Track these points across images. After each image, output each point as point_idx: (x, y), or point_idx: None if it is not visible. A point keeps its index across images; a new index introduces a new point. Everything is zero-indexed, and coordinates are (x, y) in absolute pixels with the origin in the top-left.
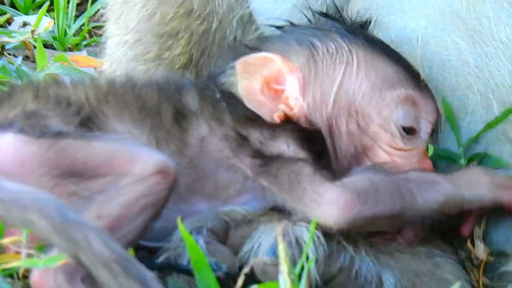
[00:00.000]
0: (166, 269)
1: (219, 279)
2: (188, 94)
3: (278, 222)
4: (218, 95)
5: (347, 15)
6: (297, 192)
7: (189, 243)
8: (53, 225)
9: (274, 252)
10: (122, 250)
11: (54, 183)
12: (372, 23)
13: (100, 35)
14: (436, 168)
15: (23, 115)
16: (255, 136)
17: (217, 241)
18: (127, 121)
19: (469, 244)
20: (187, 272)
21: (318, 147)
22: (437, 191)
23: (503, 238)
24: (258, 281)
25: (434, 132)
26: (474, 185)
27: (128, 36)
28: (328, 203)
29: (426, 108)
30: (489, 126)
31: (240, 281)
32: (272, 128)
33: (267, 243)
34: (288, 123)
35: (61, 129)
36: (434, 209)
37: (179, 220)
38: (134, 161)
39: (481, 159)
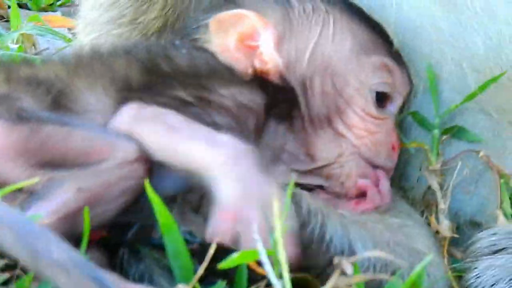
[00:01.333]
0: (138, 244)
1: (193, 251)
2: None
3: None
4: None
5: None
6: None
7: (159, 206)
8: (17, 236)
9: None
10: (80, 256)
11: (30, 172)
12: None
13: None
14: (408, 138)
15: None
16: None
17: (191, 210)
18: (99, 92)
19: (433, 219)
20: (160, 246)
21: (290, 106)
22: None
23: (476, 208)
24: (230, 250)
25: (403, 107)
26: None
27: None
28: None
29: (400, 79)
30: (469, 98)
31: (212, 250)
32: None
33: None
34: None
35: (39, 114)
36: None
37: (147, 183)
38: (115, 148)
39: (455, 132)
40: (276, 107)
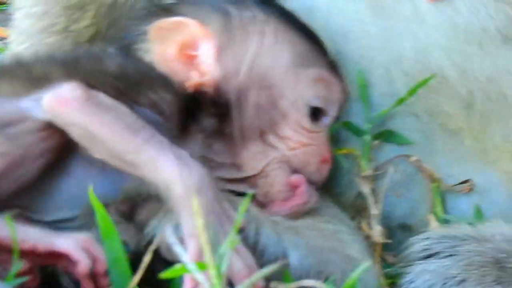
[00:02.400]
0: None
1: None
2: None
3: None
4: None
5: None
6: None
7: (101, 213)
8: None
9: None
10: None
11: None
12: None
13: (5, 4)
14: (339, 142)
15: None
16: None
17: (124, 218)
18: (19, 90)
19: (364, 225)
20: None
21: (220, 116)
22: None
23: (407, 211)
24: (164, 260)
25: (338, 117)
26: None
27: (36, 8)
28: None
29: (336, 91)
30: (399, 102)
31: (147, 259)
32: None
33: (173, 220)
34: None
35: None
36: None
37: (91, 190)
38: (26, 115)
39: (386, 137)
40: (205, 117)
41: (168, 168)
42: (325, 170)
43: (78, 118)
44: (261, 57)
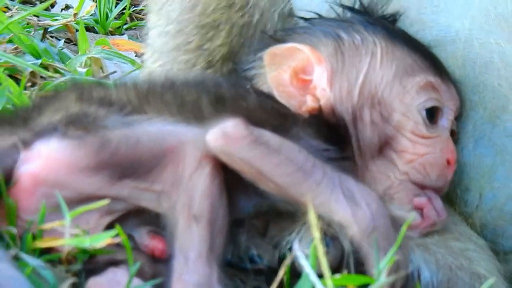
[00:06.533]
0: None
1: (259, 271)
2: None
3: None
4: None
5: (374, 9)
6: None
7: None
8: None
9: None
10: None
11: (110, 184)
12: (412, 21)
13: (141, 19)
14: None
15: (66, 119)
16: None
17: (258, 233)
18: (165, 117)
19: None
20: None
21: (341, 140)
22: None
23: None
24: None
25: (457, 120)
26: None
27: (170, 26)
28: None
29: (447, 95)
30: None
31: (282, 272)
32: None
33: (308, 236)
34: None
35: (105, 122)
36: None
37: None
38: (184, 144)
39: None
40: (332, 146)
41: (341, 212)
42: (449, 173)
43: (250, 157)
44: (370, 77)
